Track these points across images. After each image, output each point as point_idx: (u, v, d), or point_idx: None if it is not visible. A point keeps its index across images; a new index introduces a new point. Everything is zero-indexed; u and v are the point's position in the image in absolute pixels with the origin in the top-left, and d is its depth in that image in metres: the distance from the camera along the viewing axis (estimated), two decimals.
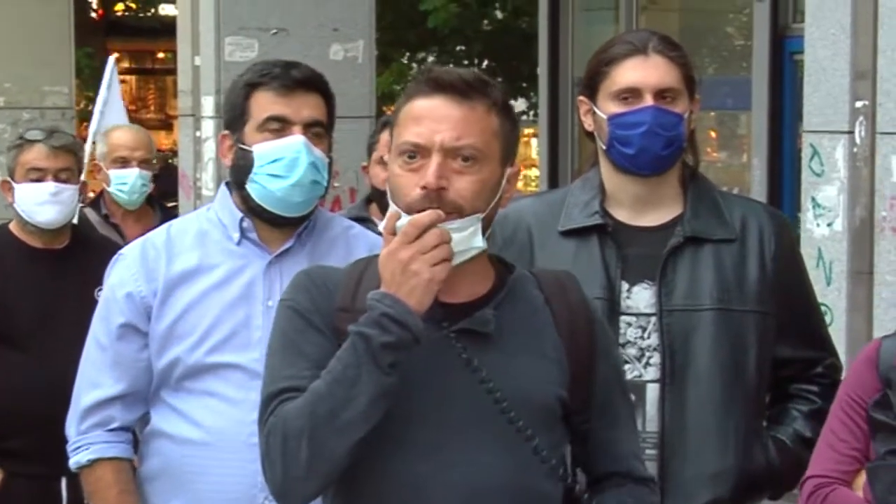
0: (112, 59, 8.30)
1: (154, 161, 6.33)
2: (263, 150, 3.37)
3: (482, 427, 2.70)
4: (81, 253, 4.90)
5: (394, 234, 2.66)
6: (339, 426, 2.62)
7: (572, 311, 2.83)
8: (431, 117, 2.71)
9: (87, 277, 4.76)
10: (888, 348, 3.11)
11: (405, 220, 2.66)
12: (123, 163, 6.18)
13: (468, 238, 2.70)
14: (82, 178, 5.16)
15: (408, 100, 2.77)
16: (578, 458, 2.86)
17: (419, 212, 2.66)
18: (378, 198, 5.30)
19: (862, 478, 3.06)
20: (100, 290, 4.68)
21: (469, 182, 2.70)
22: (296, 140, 3.35)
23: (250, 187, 3.40)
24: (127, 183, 6.14)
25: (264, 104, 3.39)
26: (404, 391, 2.66)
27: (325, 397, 2.63)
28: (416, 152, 2.70)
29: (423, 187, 2.67)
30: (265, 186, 3.37)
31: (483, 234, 2.74)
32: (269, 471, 2.69)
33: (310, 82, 3.41)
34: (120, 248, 4.95)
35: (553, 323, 2.80)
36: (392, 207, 2.73)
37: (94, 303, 4.65)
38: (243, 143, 3.40)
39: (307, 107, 3.39)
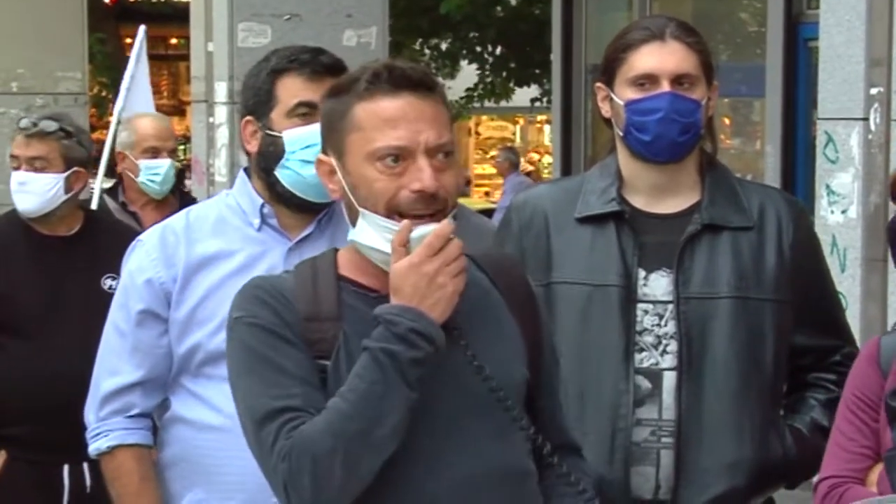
0: (142, 30, 8.05)
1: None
2: (295, 135, 3.37)
3: (476, 413, 2.68)
4: (90, 240, 4.88)
5: (405, 245, 2.61)
6: (373, 444, 2.58)
7: (516, 289, 2.82)
8: (407, 118, 2.64)
9: (95, 265, 4.77)
10: (888, 345, 3.12)
11: (420, 231, 2.61)
12: (154, 153, 6.15)
13: None
14: (100, 166, 5.12)
15: (362, 98, 2.66)
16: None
17: (412, 216, 2.62)
18: None
19: (876, 473, 3.06)
20: (108, 276, 4.72)
21: (451, 177, 2.68)
22: None
23: (281, 173, 3.40)
24: (160, 174, 6.10)
25: (294, 90, 3.39)
26: None
27: (354, 416, 2.56)
28: (399, 155, 2.63)
29: (419, 191, 2.62)
30: (298, 172, 3.37)
31: None
32: (294, 495, 2.59)
33: (336, 68, 3.41)
34: (136, 233, 4.98)
35: (504, 303, 2.79)
36: (379, 213, 2.65)
37: (100, 290, 4.69)
38: (271, 129, 3.40)
39: None
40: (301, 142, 3.36)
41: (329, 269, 2.74)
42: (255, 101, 3.44)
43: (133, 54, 7.69)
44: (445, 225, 2.61)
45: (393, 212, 2.63)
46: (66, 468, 4.71)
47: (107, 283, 4.74)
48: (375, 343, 2.57)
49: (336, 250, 2.79)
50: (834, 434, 3.16)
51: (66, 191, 4.82)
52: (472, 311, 2.70)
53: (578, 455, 2.92)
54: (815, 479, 3.18)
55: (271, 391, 2.63)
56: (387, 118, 2.64)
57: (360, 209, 2.67)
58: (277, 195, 3.42)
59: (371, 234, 2.66)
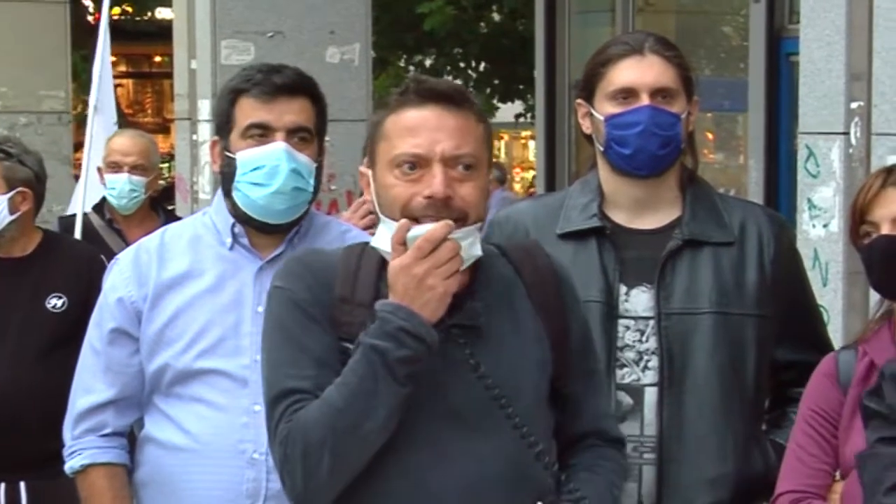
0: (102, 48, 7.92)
1: (154, 169, 6.32)
2: (245, 157, 3.36)
3: (479, 419, 2.72)
4: (42, 262, 4.82)
5: (403, 244, 2.67)
6: (361, 437, 2.66)
7: (541, 276, 2.88)
8: (427, 127, 2.73)
9: (41, 287, 4.74)
10: (845, 360, 3.14)
11: (416, 231, 2.67)
12: (116, 168, 6.25)
13: (469, 247, 2.73)
14: (82, 183, 5.05)
15: (393, 111, 2.77)
16: (558, 422, 2.89)
17: (423, 219, 2.69)
18: None
19: (838, 491, 3.06)
20: (53, 296, 4.70)
21: (472, 188, 2.74)
22: (276, 148, 3.33)
23: (235, 195, 3.39)
24: (115, 188, 6.22)
25: (247, 111, 3.37)
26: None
27: (344, 411, 2.65)
28: (416, 163, 2.72)
29: (429, 196, 2.70)
30: (247, 195, 3.36)
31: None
32: (287, 480, 2.72)
33: (294, 87, 3.38)
34: (93, 255, 4.97)
35: (526, 294, 2.84)
36: (396, 219, 2.72)
37: (43, 310, 4.68)
38: (228, 150, 3.39)
39: (290, 112, 3.36)
40: (250, 164, 3.35)
41: (376, 255, 2.80)
42: (219, 122, 3.44)
43: (95, 78, 7.64)
44: (438, 228, 2.66)
45: (408, 218, 2.70)
46: (2, 487, 4.68)
47: (51, 301, 4.73)
48: (368, 339, 2.65)
49: None
50: (792, 448, 3.17)
51: (11, 212, 4.75)
52: (493, 305, 2.78)
53: (610, 443, 2.94)
54: (774, 494, 3.18)
55: (288, 369, 2.74)
56: (409, 127, 2.74)
57: (381, 216, 2.76)
58: (239, 216, 3.42)
59: (387, 239, 2.73)
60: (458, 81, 19.52)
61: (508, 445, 2.73)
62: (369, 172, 2.83)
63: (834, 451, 3.09)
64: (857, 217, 3.17)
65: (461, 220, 2.71)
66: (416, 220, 2.70)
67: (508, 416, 2.71)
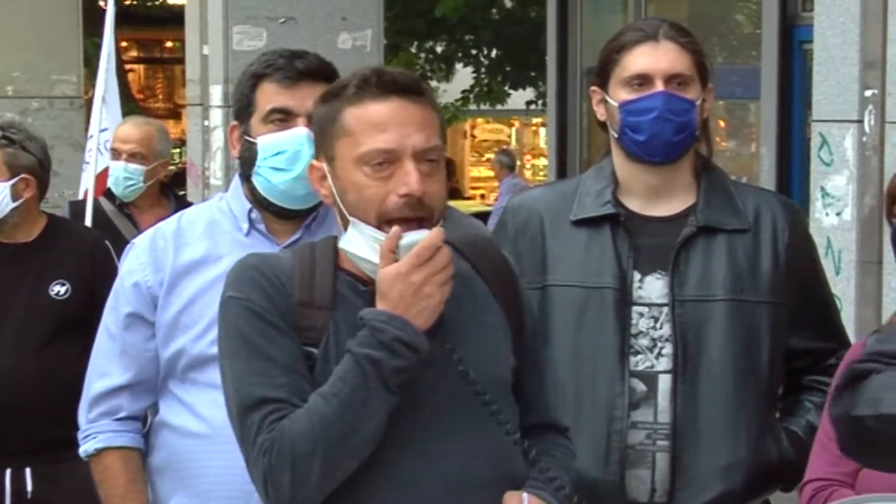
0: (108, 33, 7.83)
1: (156, 157, 6.33)
2: (266, 142, 3.35)
3: (461, 415, 2.68)
4: (47, 248, 4.82)
5: (393, 251, 2.60)
6: (352, 447, 2.60)
7: (498, 272, 2.82)
8: (395, 121, 2.63)
9: (44, 273, 4.74)
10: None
11: (409, 238, 2.59)
12: (115, 155, 6.33)
13: None
14: (91, 169, 5.09)
15: (351, 104, 2.66)
16: None
17: (399, 220, 2.61)
18: None
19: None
20: (57, 283, 4.71)
21: (438, 184, 2.67)
22: (298, 132, 3.32)
23: (255, 179, 3.39)
24: (113, 175, 6.29)
25: (269, 95, 3.36)
26: None
27: (335, 422, 2.58)
28: (385, 160, 2.63)
29: (406, 195, 2.61)
30: (269, 179, 3.36)
31: None
32: (273, 491, 2.62)
33: (316, 72, 3.37)
34: (98, 240, 4.98)
35: (487, 290, 2.78)
36: (369, 221, 2.64)
37: (46, 297, 4.69)
38: (249, 135, 3.38)
39: (312, 97, 3.33)
40: (272, 148, 3.34)
41: (328, 256, 2.74)
42: (239, 107, 3.43)
43: (102, 65, 7.63)
44: (435, 235, 2.60)
45: (383, 221, 2.62)
46: (7, 473, 4.69)
47: (55, 289, 4.73)
48: (360, 349, 2.57)
49: (336, 238, 2.77)
50: (819, 436, 3.15)
51: (14, 198, 4.75)
52: (459, 305, 2.70)
53: (560, 433, 2.90)
54: (801, 482, 3.17)
55: (258, 379, 2.64)
56: (375, 122, 2.64)
57: (350, 218, 2.67)
58: (258, 201, 3.42)
59: (361, 243, 2.66)
60: (470, 68, 19.53)
61: (489, 440, 2.69)
62: (323, 166, 2.72)
63: None
64: (891, 198, 3.26)
65: (428, 217, 2.64)
66: (389, 222, 2.62)
67: (493, 413, 2.66)
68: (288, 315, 2.66)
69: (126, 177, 6.21)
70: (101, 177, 6.96)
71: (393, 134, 2.62)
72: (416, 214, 2.62)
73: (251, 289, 2.68)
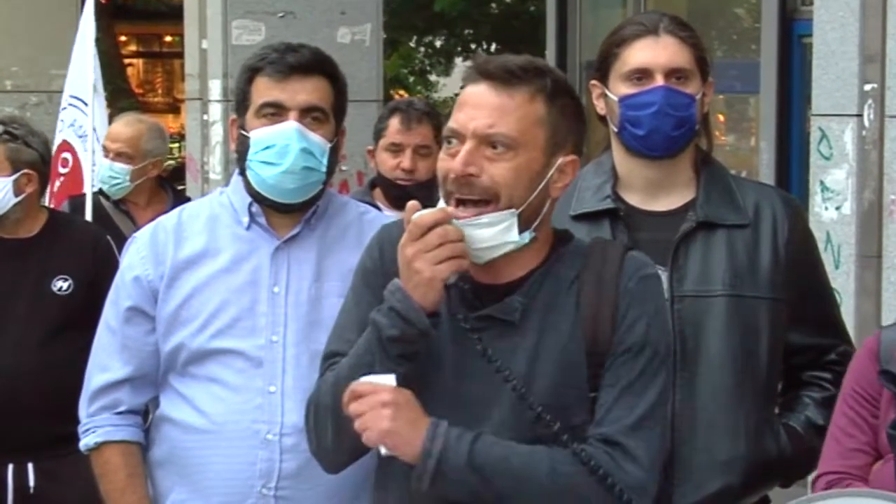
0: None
1: (144, 157, 6.33)
2: (257, 136, 3.35)
3: (497, 409, 2.72)
4: (48, 243, 4.83)
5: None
6: None
7: (601, 285, 2.80)
8: (470, 104, 2.75)
9: (46, 269, 4.75)
10: (888, 339, 3.10)
11: (419, 213, 2.69)
12: (105, 152, 6.38)
13: (501, 233, 2.72)
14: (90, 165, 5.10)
15: (463, 86, 2.81)
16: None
17: (449, 195, 2.71)
18: (383, 183, 5.25)
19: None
20: (59, 278, 4.72)
21: (503, 169, 2.71)
22: (287, 127, 3.32)
23: (248, 174, 3.39)
24: (100, 173, 6.37)
25: (261, 89, 3.37)
26: (423, 370, 2.72)
27: (347, 378, 2.71)
28: (455, 138, 2.74)
29: (451, 172, 2.72)
30: (258, 173, 3.36)
31: (529, 225, 2.75)
32: (311, 438, 2.85)
33: (309, 66, 3.37)
34: (100, 235, 4.98)
35: (575, 302, 2.78)
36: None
37: (48, 292, 4.69)
38: (244, 129, 3.39)
39: (304, 91, 3.34)
40: (261, 143, 3.34)
41: None
42: (237, 100, 3.45)
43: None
44: (431, 214, 2.68)
45: (445, 195, 2.75)
46: (10, 468, 4.69)
47: (57, 284, 4.74)
48: (375, 313, 2.71)
49: None
50: (832, 430, 3.14)
51: (16, 194, 4.76)
52: (538, 304, 2.77)
53: (615, 448, 2.76)
54: (813, 475, 3.17)
55: (338, 332, 2.88)
56: (460, 103, 2.78)
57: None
58: (254, 195, 3.42)
59: None
60: (470, 62, 19.52)
61: (526, 435, 2.70)
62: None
63: (874, 431, 3.05)
64: None
65: (488, 201, 2.70)
66: (449, 198, 2.73)
67: (522, 397, 2.68)
68: (388, 278, 2.76)
69: (111, 175, 6.28)
70: (74, 173, 7.05)
71: (463, 115, 2.75)
72: (465, 195, 2.70)
73: (371, 248, 2.90)
